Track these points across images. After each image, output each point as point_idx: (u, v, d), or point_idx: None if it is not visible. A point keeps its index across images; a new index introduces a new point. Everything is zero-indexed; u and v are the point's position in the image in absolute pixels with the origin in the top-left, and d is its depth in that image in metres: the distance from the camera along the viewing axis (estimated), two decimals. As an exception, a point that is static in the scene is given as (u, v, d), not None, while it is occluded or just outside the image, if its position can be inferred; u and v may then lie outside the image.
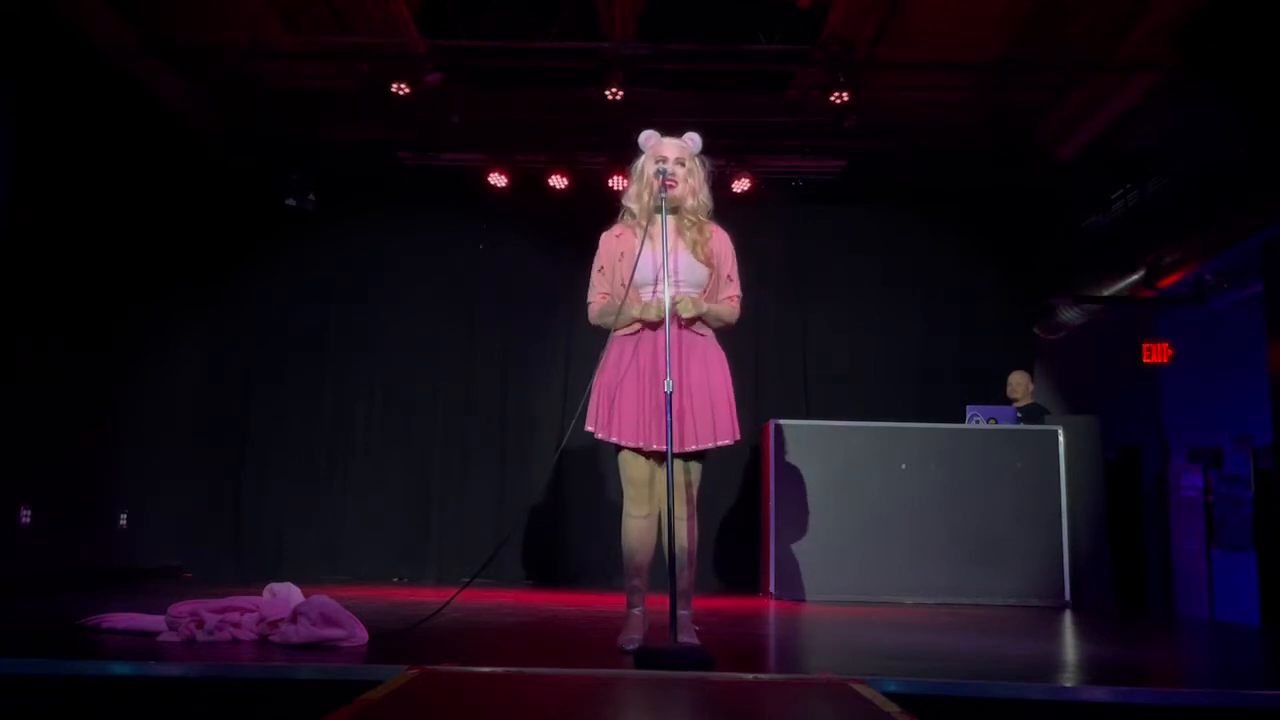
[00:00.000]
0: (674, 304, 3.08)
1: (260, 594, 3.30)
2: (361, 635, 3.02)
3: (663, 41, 5.97)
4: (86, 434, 5.85)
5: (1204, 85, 5.92)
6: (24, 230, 5.17)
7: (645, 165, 3.25)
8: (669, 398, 2.93)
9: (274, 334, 7.45)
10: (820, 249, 7.69)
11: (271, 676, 2.46)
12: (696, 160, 3.27)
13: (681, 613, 2.96)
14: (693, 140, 3.28)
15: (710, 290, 3.21)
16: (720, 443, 3.14)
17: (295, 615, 2.99)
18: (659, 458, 3.14)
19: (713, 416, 3.12)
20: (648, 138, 3.29)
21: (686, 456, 3.14)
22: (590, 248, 3.34)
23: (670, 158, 3.21)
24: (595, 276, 3.29)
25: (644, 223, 3.18)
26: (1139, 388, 8.33)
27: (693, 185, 3.22)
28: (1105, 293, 7.87)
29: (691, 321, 3.16)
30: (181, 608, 3.06)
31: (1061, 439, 6.11)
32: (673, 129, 3.34)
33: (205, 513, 7.18)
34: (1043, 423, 6.37)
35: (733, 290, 3.26)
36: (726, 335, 3.30)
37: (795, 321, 7.58)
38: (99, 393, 5.96)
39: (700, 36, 5.92)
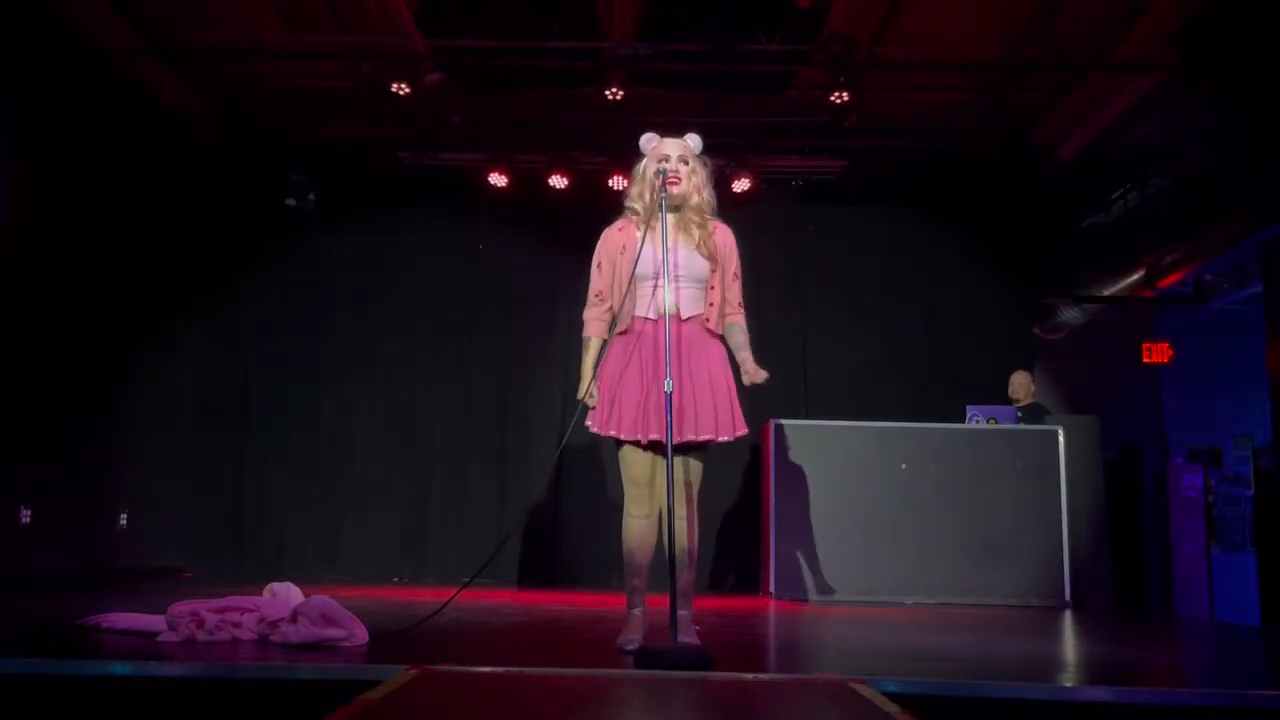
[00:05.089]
0: (752, 379, 3.16)
1: (260, 594, 3.30)
2: (361, 635, 3.01)
3: (663, 41, 5.97)
4: (86, 434, 5.85)
5: (1203, 85, 5.92)
6: (24, 230, 5.17)
7: (647, 166, 3.26)
8: (669, 397, 2.93)
9: (274, 333, 7.45)
10: (820, 249, 7.69)
11: (271, 676, 2.46)
12: (698, 160, 3.28)
13: (681, 613, 2.96)
14: (694, 140, 3.29)
15: (715, 285, 3.21)
16: (722, 438, 3.13)
17: (295, 615, 2.99)
18: (660, 452, 3.13)
19: (714, 411, 3.11)
20: (648, 140, 3.30)
21: (687, 450, 3.13)
22: (590, 248, 3.34)
23: (673, 156, 3.22)
24: (593, 274, 3.29)
25: (647, 220, 3.19)
26: (1139, 388, 8.33)
27: (696, 183, 3.23)
28: (1105, 293, 7.88)
29: (691, 318, 3.16)
30: (181, 608, 3.05)
31: (1061, 439, 6.10)
32: (673, 129, 3.34)
33: (205, 513, 7.18)
34: (1043, 423, 6.37)
35: (739, 295, 3.29)
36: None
37: (795, 321, 7.58)
38: (99, 393, 5.96)
39: (700, 36, 5.92)
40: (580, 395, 3.19)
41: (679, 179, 3.18)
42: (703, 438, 3.09)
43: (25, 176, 5.19)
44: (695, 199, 3.23)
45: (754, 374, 3.17)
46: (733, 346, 3.26)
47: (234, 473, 7.33)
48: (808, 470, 6.03)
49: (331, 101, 6.83)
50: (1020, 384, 6.87)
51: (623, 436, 3.12)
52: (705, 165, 3.30)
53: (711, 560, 7.07)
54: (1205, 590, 7.65)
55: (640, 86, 6.35)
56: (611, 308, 3.25)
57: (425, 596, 5.37)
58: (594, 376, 3.18)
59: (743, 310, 3.30)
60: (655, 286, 3.14)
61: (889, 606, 5.61)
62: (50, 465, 5.49)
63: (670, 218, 3.13)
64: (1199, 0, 5.40)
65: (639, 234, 3.19)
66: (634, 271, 3.14)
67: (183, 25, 5.90)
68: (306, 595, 3.17)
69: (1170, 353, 8.03)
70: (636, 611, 3.19)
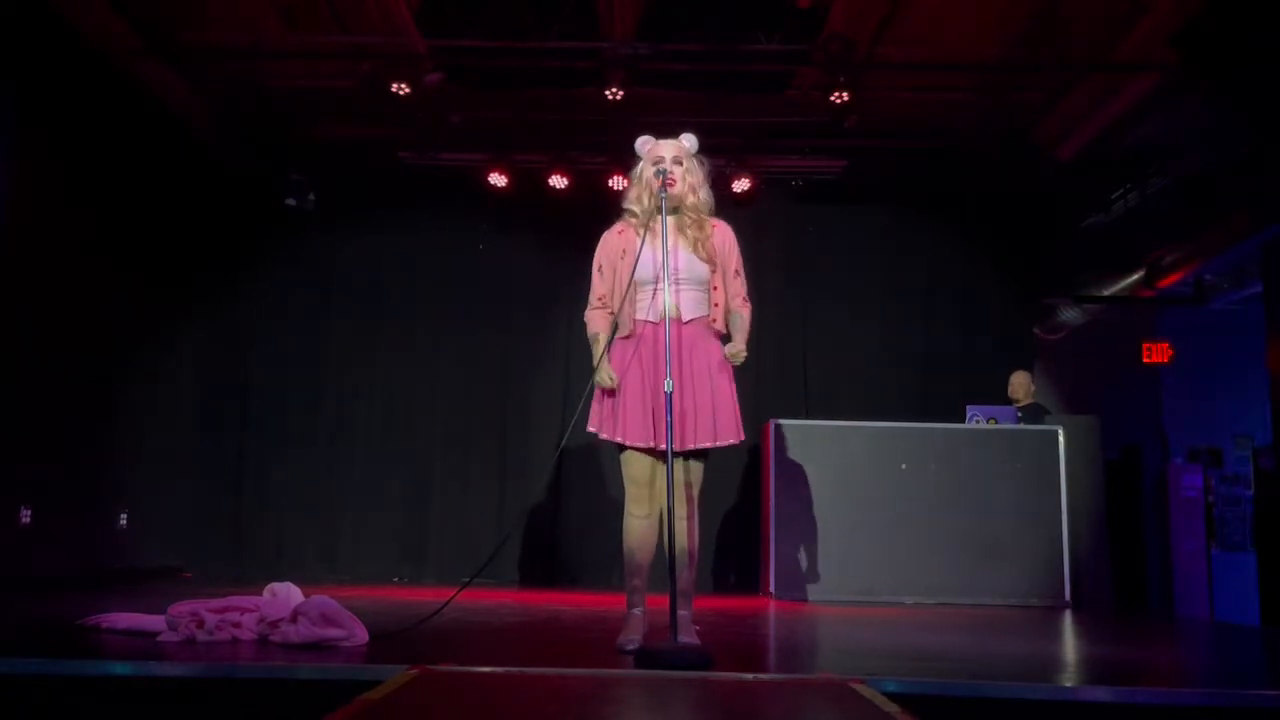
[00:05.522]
0: (731, 357, 3.13)
1: (260, 594, 3.30)
2: (361, 635, 3.01)
3: (663, 41, 5.97)
4: (86, 434, 5.85)
5: (1203, 85, 5.93)
6: (24, 230, 5.17)
7: (644, 168, 3.27)
8: (669, 397, 2.93)
9: (273, 334, 7.45)
10: (820, 249, 7.69)
11: (271, 676, 2.46)
12: (694, 159, 3.29)
13: (682, 613, 2.96)
14: (689, 140, 3.29)
15: (718, 285, 3.22)
16: (722, 442, 3.14)
17: (295, 615, 2.99)
18: (662, 456, 3.13)
19: (714, 416, 3.12)
20: (644, 143, 3.31)
21: (688, 455, 3.14)
22: (590, 248, 3.34)
23: (668, 157, 3.22)
24: (594, 277, 3.30)
25: (645, 223, 3.19)
26: (1139, 388, 8.34)
27: (692, 183, 3.24)
28: (1105, 293, 7.88)
29: (693, 320, 3.17)
30: (181, 608, 3.05)
31: (1061, 439, 6.10)
32: (672, 129, 3.34)
33: (205, 513, 7.18)
34: (1043, 423, 6.37)
35: (742, 289, 3.29)
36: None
37: (795, 321, 7.58)
38: (99, 393, 5.96)
39: (700, 36, 5.92)
40: (596, 379, 3.18)
41: (675, 179, 3.18)
42: (701, 445, 3.10)
43: (25, 176, 5.19)
44: (691, 199, 3.23)
45: (733, 348, 3.15)
46: (731, 329, 3.25)
47: (234, 473, 7.32)
48: (808, 470, 6.03)
49: (331, 101, 6.83)
50: (1020, 384, 6.87)
51: (629, 443, 3.13)
52: (702, 165, 3.30)
53: (712, 560, 7.07)
54: (1205, 590, 7.66)
55: (640, 86, 6.35)
56: (613, 311, 3.25)
57: (425, 596, 5.37)
58: (605, 357, 3.17)
59: (748, 304, 3.30)
60: (655, 290, 3.14)
61: (889, 606, 5.61)
62: (50, 465, 5.49)
63: (669, 220, 3.14)
64: (1199, 0, 5.40)
65: (638, 237, 3.20)
66: (633, 275, 3.14)
67: (183, 25, 5.90)
68: (306, 595, 3.17)
69: (1170, 353, 8.04)
70: (636, 611, 3.19)
